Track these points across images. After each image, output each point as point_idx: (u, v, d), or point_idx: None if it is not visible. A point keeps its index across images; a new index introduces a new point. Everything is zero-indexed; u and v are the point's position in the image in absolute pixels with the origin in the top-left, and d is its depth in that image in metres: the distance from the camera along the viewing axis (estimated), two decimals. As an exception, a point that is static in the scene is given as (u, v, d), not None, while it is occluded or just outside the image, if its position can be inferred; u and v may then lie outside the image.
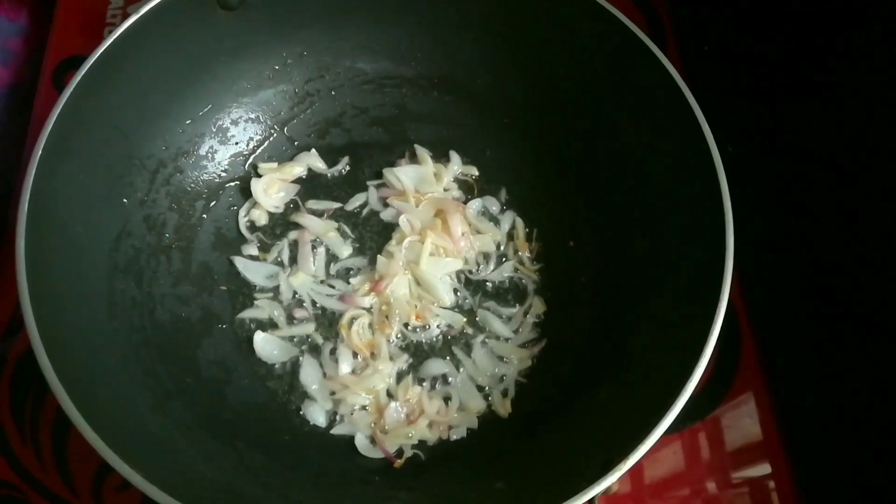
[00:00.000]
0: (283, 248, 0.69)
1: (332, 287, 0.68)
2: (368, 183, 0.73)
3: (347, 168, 0.73)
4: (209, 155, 0.70)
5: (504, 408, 0.64)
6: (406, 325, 0.66)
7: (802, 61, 0.67)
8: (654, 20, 0.86)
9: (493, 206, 0.72)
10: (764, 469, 0.67)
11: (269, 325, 0.66)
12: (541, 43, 0.68)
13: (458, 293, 0.68)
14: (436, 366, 0.65)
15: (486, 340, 0.66)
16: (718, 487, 0.66)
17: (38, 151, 0.53)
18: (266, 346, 0.64)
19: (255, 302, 0.67)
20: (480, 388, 0.65)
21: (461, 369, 0.65)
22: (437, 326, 0.66)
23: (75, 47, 0.83)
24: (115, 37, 0.58)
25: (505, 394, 0.65)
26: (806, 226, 0.67)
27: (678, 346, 0.52)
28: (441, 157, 0.74)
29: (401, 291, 0.66)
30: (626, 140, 0.65)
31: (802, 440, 0.67)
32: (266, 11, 0.66)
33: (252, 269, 0.68)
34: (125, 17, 0.85)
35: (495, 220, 0.72)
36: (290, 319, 0.66)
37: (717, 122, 0.57)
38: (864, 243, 0.60)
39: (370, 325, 0.66)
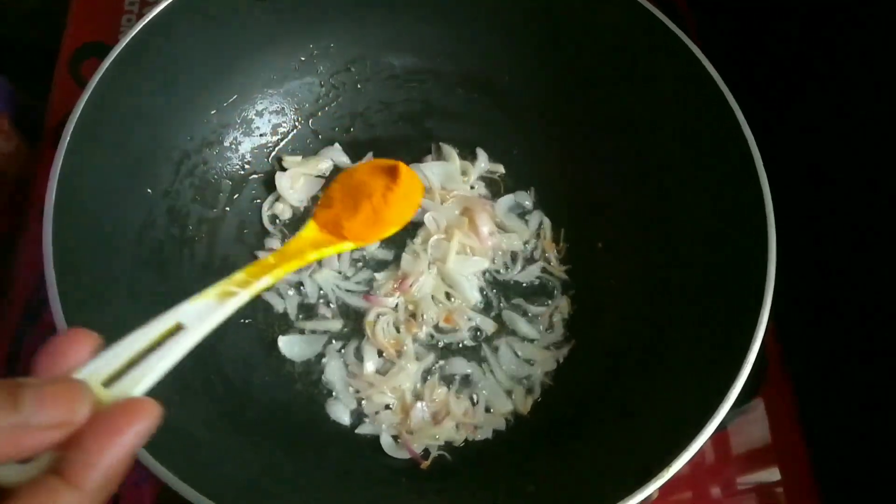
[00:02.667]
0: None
1: (357, 283, 0.67)
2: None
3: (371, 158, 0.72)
4: (233, 146, 0.68)
5: (524, 406, 0.63)
6: (435, 326, 0.65)
7: (824, 59, 0.66)
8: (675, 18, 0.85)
9: (526, 201, 0.71)
10: (773, 475, 0.66)
11: (292, 322, 0.65)
12: (570, 39, 0.66)
13: (484, 292, 0.67)
14: (460, 365, 0.64)
15: (512, 341, 0.65)
16: (723, 493, 0.65)
17: (66, 139, 0.52)
18: (290, 344, 0.63)
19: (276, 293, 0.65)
20: (507, 390, 0.64)
21: (486, 370, 0.64)
22: (468, 330, 0.65)
23: (91, 34, 0.82)
24: (143, 24, 0.57)
25: (529, 392, 0.64)
26: (827, 229, 0.67)
27: (718, 352, 0.51)
28: (467, 154, 0.73)
29: (426, 290, 0.65)
30: (659, 141, 0.64)
31: (824, 445, 0.66)
32: (295, 1, 0.65)
33: (275, 264, 0.66)
34: (143, 4, 0.85)
35: (527, 216, 0.71)
36: (314, 316, 0.65)
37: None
38: (889, 248, 0.59)
39: (395, 324, 0.65)
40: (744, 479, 0.66)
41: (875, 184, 0.60)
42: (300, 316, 0.65)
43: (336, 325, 0.65)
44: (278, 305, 0.65)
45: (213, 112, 0.66)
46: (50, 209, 0.49)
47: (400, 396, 0.62)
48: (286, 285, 0.66)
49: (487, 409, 0.63)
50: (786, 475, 0.66)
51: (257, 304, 0.65)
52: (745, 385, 0.46)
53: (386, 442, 0.60)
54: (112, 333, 0.52)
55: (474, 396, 0.63)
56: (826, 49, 0.66)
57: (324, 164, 0.71)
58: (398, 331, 0.64)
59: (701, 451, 0.65)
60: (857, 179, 0.63)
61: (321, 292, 0.66)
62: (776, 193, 0.54)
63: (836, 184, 0.66)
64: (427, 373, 0.64)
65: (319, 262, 0.67)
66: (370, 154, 0.72)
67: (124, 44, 0.56)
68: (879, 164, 0.59)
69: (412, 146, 0.73)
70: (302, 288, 0.66)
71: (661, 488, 0.60)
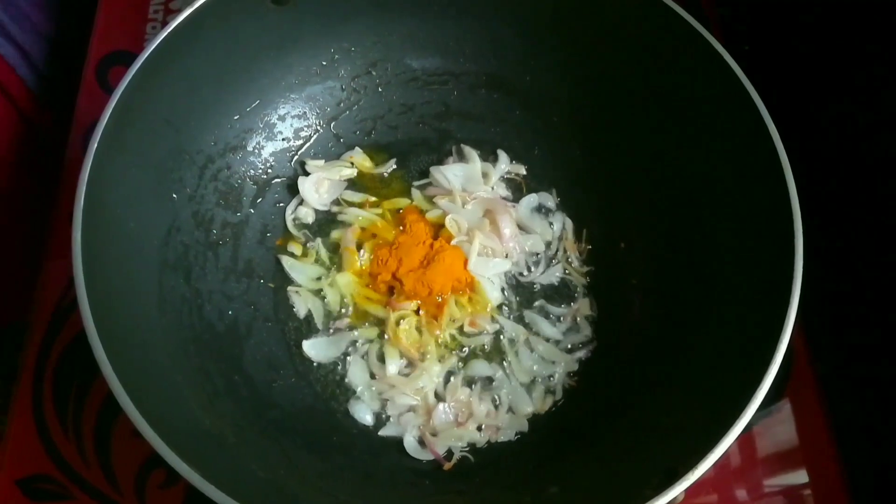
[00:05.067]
0: (319, 248, 0.68)
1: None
2: (414, 184, 0.72)
3: (394, 167, 0.73)
4: (256, 151, 0.69)
5: (543, 405, 0.63)
6: (460, 328, 0.65)
7: (849, 61, 0.65)
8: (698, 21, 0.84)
9: (549, 202, 0.72)
10: (801, 477, 0.65)
11: (315, 326, 0.65)
12: (591, 39, 0.66)
13: (506, 293, 0.67)
14: (482, 368, 0.64)
15: (534, 342, 0.65)
16: (750, 496, 0.65)
17: (94, 145, 0.52)
18: (315, 346, 0.64)
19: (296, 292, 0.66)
20: (528, 391, 0.64)
21: (508, 372, 0.64)
22: (490, 332, 0.65)
23: (118, 42, 0.83)
24: (168, 31, 0.57)
25: (550, 393, 0.64)
26: (857, 230, 0.66)
27: (744, 351, 0.51)
28: (488, 155, 0.73)
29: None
30: (680, 140, 0.64)
31: (854, 446, 0.65)
32: (315, 6, 0.66)
33: (297, 269, 0.67)
34: (167, 12, 0.86)
35: (550, 215, 0.71)
36: (337, 319, 0.66)
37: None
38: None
39: (417, 326, 0.65)
40: (771, 482, 0.65)
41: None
42: (323, 320, 0.66)
43: (358, 328, 0.65)
44: (301, 310, 0.66)
45: (236, 117, 0.67)
46: (79, 215, 0.50)
47: (423, 398, 0.62)
48: (308, 291, 0.67)
49: (510, 411, 0.63)
50: (814, 477, 0.65)
51: (280, 308, 0.66)
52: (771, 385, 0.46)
53: (409, 444, 0.60)
54: (139, 336, 0.53)
55: (496, 398, 0.63)
56: (846, 44, 0.66)
57: (347, 171, 0.71)
58: (420, 333, 0.64)
59: (727, 453, 0.65)
60: (886, 176, 0.62)
61: (344, 299, 0.66)
62: (803, 191, 0.53)
63: (864, 180, 0.65)
64: (450, 374, 0.64)
65: (340, 267, 0.68)
66: (392, 161, 0.73)
67: (149, 52, 0.56)
68: None
69: (433, 148, 0.74)
70: (323, 293, 0.67)
71: (687, 490, 0.60)
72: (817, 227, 0.68)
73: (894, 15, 0.59)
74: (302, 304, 0.66)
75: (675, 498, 0.45)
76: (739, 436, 0.46)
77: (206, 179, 0.64)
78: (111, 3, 0.86)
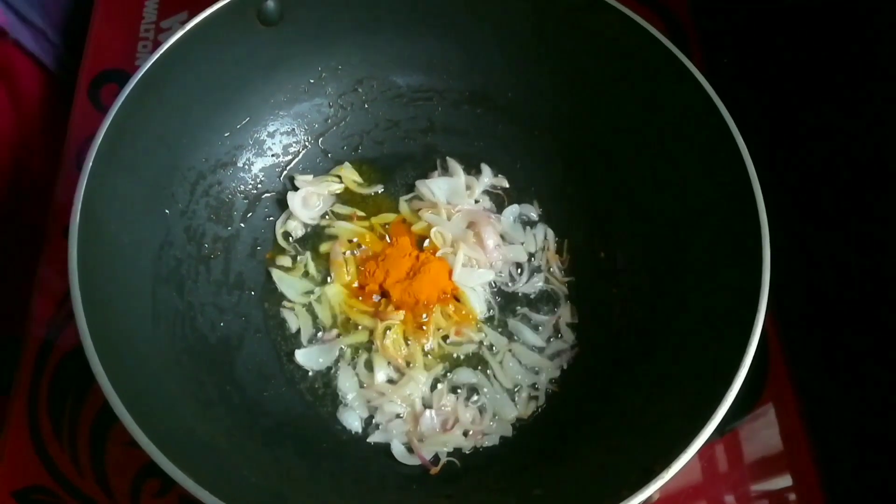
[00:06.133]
0: (308, 262, 0.69)
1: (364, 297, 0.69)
2: (401, 198, 0.74)
3: (381, 190, 0.75)
4: (246, 167, 0.71)
5: (526, 411, 0.64)
6: (446, 337, 0.67)
7: (826, 72, 0.68)
8: (679, 33, 0.86)
9: (531, 213, 0.74)
10: (785, 481, 0.67)
11: (303, 340, 0.67)
12: (571, 56, 0.69)
13: (490, 303, 0.69)
14: (467, 375, 0.66)
15: (518, 350, 0.67)
16: (737, 501, 0.66)
17: (90, 163, 0.54)
18: (307, 355, 0.65)
19: (290, 308, 0.68)
20: (512, 398, 0.65)
21: (493, 379, 0.66)
22: (475, 341, 0.67)
23: (110, 61, 0.85)
24: (162, 51, 0.59)
25: (533, 399, 0.65)
26: (832, 233, 0.68)
27: (716, 355, 0.53)
28: (472, 169, 0.75)
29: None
30: (656, 153, 0.66)
31: (831, 450, 0.67)
32: (304, 27, 0.67)
33: (287, 283, 0.69)
34: (158, 31, 0.88)
35: (533, 227, 0.73)
36: (325, 331, 0.67)
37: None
38: (893, 251, 0.61)
39: (404, 336, 0.66)
40: (757, 487, 0.67)
41: (878, 183, 0.62)
42: (311, 333, 0.67)
43: (347, 338, 0.67)
44: (293, 325, 0.67)
45: (226, 134, 0.69)
46: (75, 230, 0.52)
47: (410, 405, 0.64)
48: (300, 307, 0.68)
49: (495, 417, 0.64)
50: (797, 481, 0.67)
51: (270, 320, 0.68)
52: (747, 387, 0.48)
53: (397, 449, 0.62)
54: (134, 348, 0.55)
55: (482, 404, 0.65)
56: (824, 55, 0.68)
57: (336, 186, 0.73)
58: (407, 342, 0.66)
59: (713, 459, 0.67)
60: (863, 182, 0.64)
61: (333, 312, 0.68)
62: (780, 198, 0.55)
63: (841, 186, 0.67)
64: (436, 382, 0.65)
65: (328, 277, 0.69)
66: (380, 187, 0.74)
67: (143, 71, 0.58)
68: (886, 162, 0.60)
69: (418, 162, 0.76)
70: (313, 308, 0.68)
71: (675, 497, 0.62)
72: (795, 233, 0.70)
73: (870, 28, 0.62)
74: (294, 319, 0.67)
75: (650, 497, 0.47)
76: (716, 438, 0.47)
77: (197, 195, 0.66)
78: (103, 21, 0.87)
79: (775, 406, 0.69)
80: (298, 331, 0.67)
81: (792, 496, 0.66)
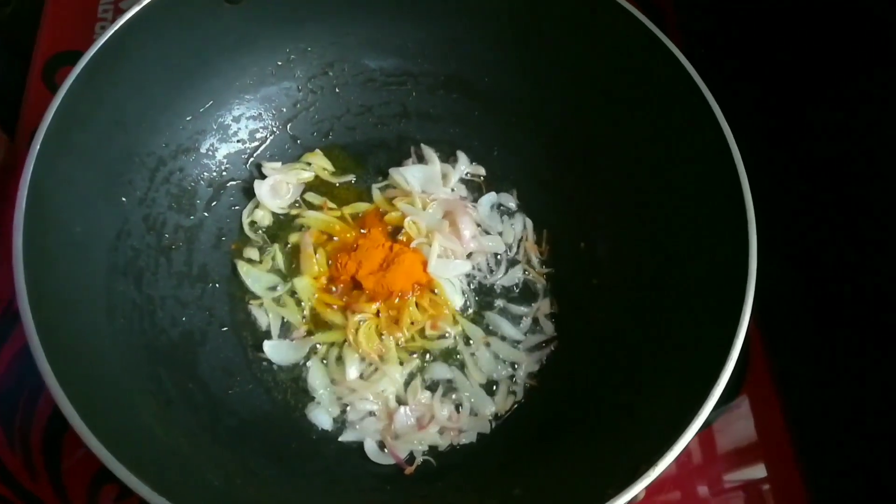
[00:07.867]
0: (276, 254, 0.67)
1: (336, 289, 0.66)
2: (374, 186, 0.71)
3: (353, 180, 0.72)
4: (210, 153, 0.68)
5: (504, 406, 0.63)
6: (421, 331, 0.64)
7: (806, 65, 0.67)
8: (658, 20, 0.85)
9: (510, 202, 0.71)
10: (759, 472, 0.66)
11: (274, 331, 0.64)
12: (549, 40, 0.67)
13: (467, 295, 0.67)
14: (441, 370, 0.64)
15: (495, 343, 0.65)
16: (711, 492, 0.65)
17: (36, 146, 0.51)
18: (275, 348, 0.63)
19: (259, 305, 0.65)
20: (489, 392, 0.63)
21: (468, 374, 0.64)
22: (451, 335, 0.65)
23: (66, 43, 0.81)
24: (116, 28, 0.56)
25: (511, 394, 0.64)
26: (813, 228, 0.67)
27: (702, 349, 0.51)
28: (448, 156, 0.73)
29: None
30: (638, 141, 0.64)
31: (810, 441, 0.66)
32: (270, 5, 0.64)
33: (254, 277, 0.65)
34: (117, 12, 0.84)
35: (511, 217, 0.71)
36: (295, 328, 0.64)
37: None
38: (871, 245, 0.60)
39: (378, 329, 0.64)
40: (731, 477, 0.66)
41: (858, 179, 0.61)
42: (280, 330, 0.64)
43: (316, 332, 0.64)
44: (262, 322, 0.64)
45: (188, 118, 0.65)
46: (20, 219, 0.48)
47: (383, 402, 0.61)
48: (270, 302, 0.65)
49: (472, 413, 0.62)
50: (772, 471, 0.66)
51: (237, 313, 0.65)
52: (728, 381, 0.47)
53: (370, 448, 0.60)
54: (87, 344, 0.51)
55: (458, 400, 0.63)
56: (801, 46, 0.67)
57: (306, 175, 0.70)
58: (380, 336, 0.64)
59: (688, 451, 0.66)
60: (846, 177, 0.63)
61: (302, 307, 0.65)
62: (764, 191, 0.54)
63: (824, 181, 0.66)
64: (411, 377, 0.63)
65: (298, 267, 0.66)
66: (352, 177, 0.72)
67: (95, 50, 0.55)
68: (868, 159, 0.60)
69: (392, 149, 0.73)
70: (282, 302, 0.65)
71: (649, 488, 0.60)
72: (776, 226, 0.69)
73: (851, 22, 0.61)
74: (262, 315, 0.64)
75: (635, 496, 0.45)
76: (699, 431, 0.46)
77: (157, 182, 0.63)
78: (58, 2, 0.83)
79: (751, 399, 0.68)
80: (268, 328, 0.64)
81: (766, 486, 0.66)
